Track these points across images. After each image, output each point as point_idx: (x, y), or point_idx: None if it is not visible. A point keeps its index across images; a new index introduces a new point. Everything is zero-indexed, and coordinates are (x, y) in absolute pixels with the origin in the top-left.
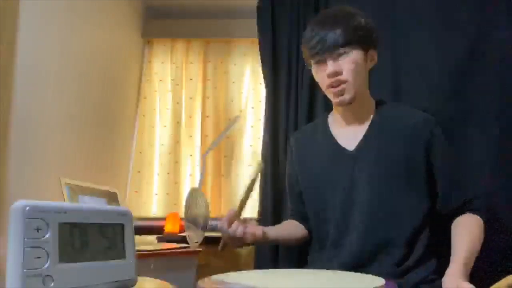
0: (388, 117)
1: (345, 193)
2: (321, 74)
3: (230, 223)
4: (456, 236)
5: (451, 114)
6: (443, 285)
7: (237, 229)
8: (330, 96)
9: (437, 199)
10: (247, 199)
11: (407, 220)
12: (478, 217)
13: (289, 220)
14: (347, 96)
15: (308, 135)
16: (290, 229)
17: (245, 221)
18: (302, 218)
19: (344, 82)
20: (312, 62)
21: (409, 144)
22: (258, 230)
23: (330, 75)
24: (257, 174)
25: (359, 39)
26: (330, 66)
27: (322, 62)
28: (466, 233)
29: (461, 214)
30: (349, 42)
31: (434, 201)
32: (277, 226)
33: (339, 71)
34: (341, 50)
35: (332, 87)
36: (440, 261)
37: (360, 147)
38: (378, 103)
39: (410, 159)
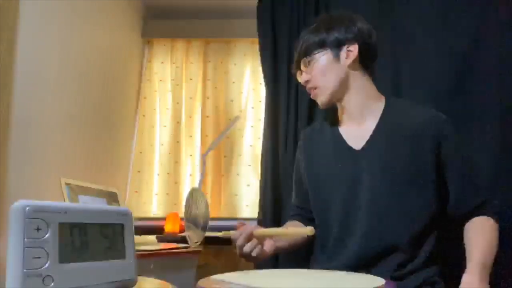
0: (396, 116)
1: (349, 193)
2: None
3: (247, 240)
4: (471, 240)
5: (451, 114)
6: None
7: (253, 248)
8: None
9: (449, 201)
10: (275, 236)
11: (412, 222)
12: (493, 220)
13: (292, 221)
14: (321, 99)
15: (317, 132)
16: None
17: (261, 242)
18: (307, 219)
19: (315, 88)
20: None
21: (416, 144)
22: (271, 247)
23: (303, 84)
24: (307, 236)
25: (325, 42)
26: (303, 76)
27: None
28: (481, 236)
29: (474, 217)
30: (312, 49)
31: (442, 203)
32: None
33: (309, 79)
34: (306, 59)
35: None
36: (444, 264)
37: (365, 147)
38: (388, 100)
39: (417, 160)
